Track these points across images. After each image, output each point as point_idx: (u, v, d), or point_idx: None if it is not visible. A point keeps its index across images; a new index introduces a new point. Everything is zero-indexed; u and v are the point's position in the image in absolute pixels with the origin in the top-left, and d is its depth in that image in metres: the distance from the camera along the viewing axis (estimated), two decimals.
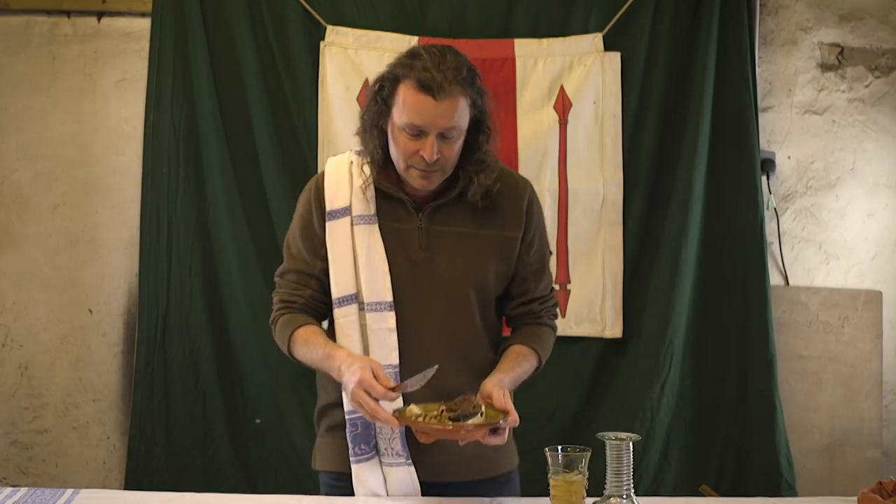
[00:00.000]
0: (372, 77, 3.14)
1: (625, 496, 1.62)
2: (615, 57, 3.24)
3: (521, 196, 2.00)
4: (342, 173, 1.99)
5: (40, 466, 3.30)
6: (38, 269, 3.30)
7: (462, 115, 1.85)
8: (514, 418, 1.78)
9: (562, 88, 3.22)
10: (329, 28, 3.21)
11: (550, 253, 2.10)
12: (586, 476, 1.68)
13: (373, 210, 1.95)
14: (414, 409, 1.82)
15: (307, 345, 1.92)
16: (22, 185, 3.31)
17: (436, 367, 1.79)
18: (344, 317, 1.93)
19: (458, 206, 1.95)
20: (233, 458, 3.18)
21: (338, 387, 1.92)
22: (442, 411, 1.77)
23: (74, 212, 3.31)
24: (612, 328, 3.22)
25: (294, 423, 3.20)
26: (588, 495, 1.69)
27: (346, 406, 1.92)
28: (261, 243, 3.21)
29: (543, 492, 1.74)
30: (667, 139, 3.25)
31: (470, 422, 1.74)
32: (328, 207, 1.97)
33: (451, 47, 1.89)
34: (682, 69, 3.25)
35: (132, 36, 3.31)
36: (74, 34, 3.32)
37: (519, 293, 2.03)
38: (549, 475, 1.69)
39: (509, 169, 2.07)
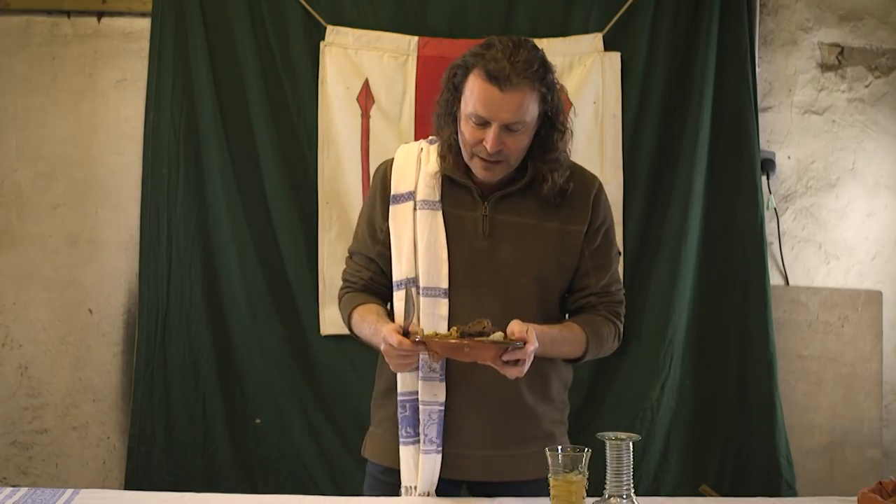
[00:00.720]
0: (372, 77, 3.21)
1: (625, 496, 1.62)
2: (615, 57, 3.24)
3: (588, 191, 2.00)
4: (411, 159, 2.01)
5: (40, 466, 3.30)
6: (38, 269, 3.30)
7: (528, 109, 1.84)
8: (530, 348, 1.77)
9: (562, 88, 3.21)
10: (329, 28, 3.21)
11: (619, 253, 2.08)
12: (586, 476, 1.68)
13: (438, 196, 1.96)
14: (431, 331, 1.86)
15: (361, 323, 1.97)
16: (22, 185, 3.31)
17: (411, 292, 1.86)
18: (401, 300, 1.94)
19: (524, 197, 1.95)
20: (233, 458, 3.18)
21: (392, 372, 1.95)
22: (453, 332, 1.80)
23: (74, 212, 3.31)
24: None
25: (294, 423, 3.20)
26: (588, 495, 1.69)
27: (399, 388, 1.95)
28: (261, 243, 3.21)
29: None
30: (667, 139, 3.25)
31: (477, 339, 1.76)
32: (393, 191, 1.99)
33: (529, 40, 1.88)
34: (682, 69, 3.25)
35: (132, 36, 3.31)
36: (74, 34, 3.32)
37: (579, 287, 2.02)
38: (549, 475, 1.69)
39: (579, 165, 2.07)
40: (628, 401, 3.22)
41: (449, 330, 1.87)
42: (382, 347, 1.83)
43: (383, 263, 2.02)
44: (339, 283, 2.12)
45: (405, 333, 1.80)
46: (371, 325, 1.93)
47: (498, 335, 1.79)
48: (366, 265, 2.04)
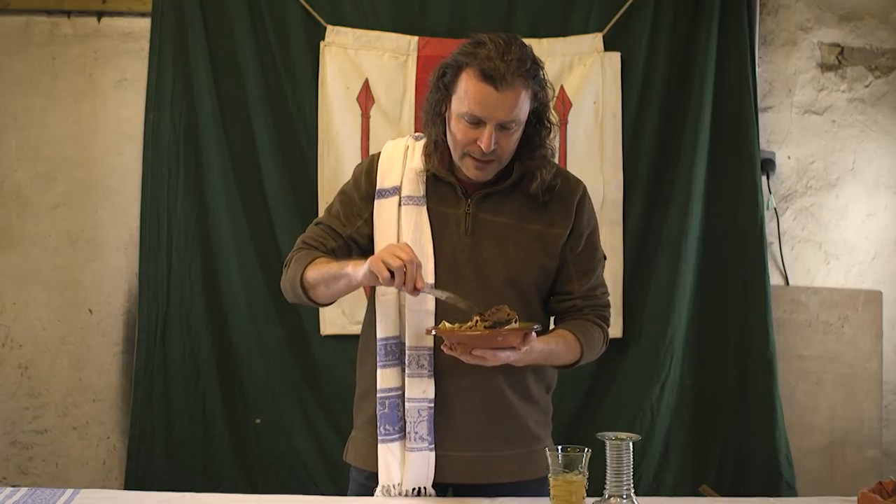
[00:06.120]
0: (372, 77, 3.21)
1: (625, 496, 1.62)
2: (615, 57, 3.24)
3: (572, 194, 1.99)
4: (397, 155, 2.00)
5: (40, 466, 3.30)
6: (38, 269, 3.30)
7: (522, 107, 1.84)
8: (513, 356, 1.77)
9: (562, 88, 3.22)
10: (329, 28, 3.21)
11: (604, 257, 2.07)
12: (586, 476, 1.68)
13: (422, 192, 1.94)
14: (447, 324, 1.83)
15: (323, 265, 1.90)
16: (22, 185, 3.31)
17: (469, 305, 1.80)
18: (384, 295, 1.93)
19: (508, 197, 1.95)
20: (233, 458, 3.18)
21: (372, 372, 1.92)
22: (476, 321, 1.77)
23: (74, 212, 3.31)
24: (612, 328, 3.15)
25: (294, 423, 3.20)
26: (588, 495, 1.69)
27: (379, 384, 1.92)
28: (261, 243, 3.21)
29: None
30: (667, 139, 3.25)
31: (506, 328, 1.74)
32: (379, 186, 1.98)
33: (517, 37, 1.87)
34: (682, 69, 3.25)
35: (132, 36, 3.31)
36: (74, 34, 3.32)
37: (563, 291, 2.01)
38: (549, 475, 1.69)
39: (564, 168, 2.07)
40: (628, 401, 3.22)
41: (455, 323, 1.83)
42: (377, 253, 1.77)
43: (352, 245, 1.99)
44: None
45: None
46: (337, 262, 1.88)
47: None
48: (333, 237, 2.00)
